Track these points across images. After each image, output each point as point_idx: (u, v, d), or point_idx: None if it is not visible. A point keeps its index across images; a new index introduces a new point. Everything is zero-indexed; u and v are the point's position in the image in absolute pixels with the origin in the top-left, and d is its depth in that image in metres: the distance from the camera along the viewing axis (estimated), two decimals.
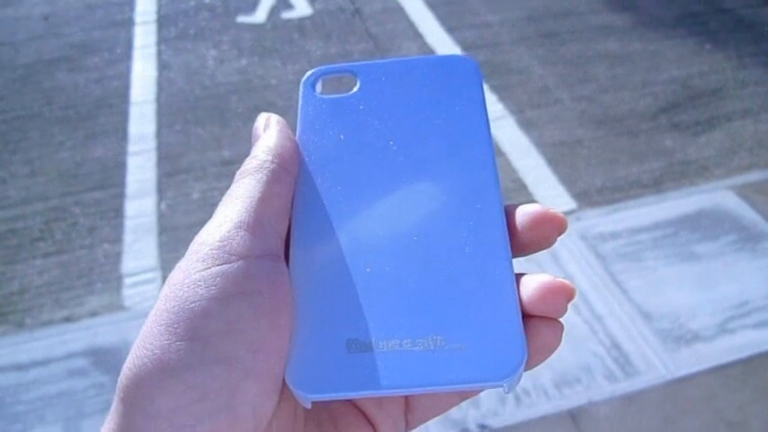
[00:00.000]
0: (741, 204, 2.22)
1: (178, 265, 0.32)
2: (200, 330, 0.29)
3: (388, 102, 0.39)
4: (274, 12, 3.49)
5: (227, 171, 2.43)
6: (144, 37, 3.31)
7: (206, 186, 2.38)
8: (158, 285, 2.03)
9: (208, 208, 2.26)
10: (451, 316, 0.31)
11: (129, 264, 2.12)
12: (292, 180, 0.36)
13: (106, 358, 1.80)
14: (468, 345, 0.30)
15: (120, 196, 2.37)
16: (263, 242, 0.33)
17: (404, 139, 0.37)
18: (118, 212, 2.30)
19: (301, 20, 3.41)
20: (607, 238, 2.10)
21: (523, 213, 0.34)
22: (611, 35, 3.21)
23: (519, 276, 0.33)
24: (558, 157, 2.47)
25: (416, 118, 0.38)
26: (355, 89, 0.40)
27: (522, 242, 0.34)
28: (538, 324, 0.31)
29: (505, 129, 2.61)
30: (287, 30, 3.33)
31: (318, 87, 0.41)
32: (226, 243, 0.32)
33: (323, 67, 0.42)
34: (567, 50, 3.11)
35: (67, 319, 1.93)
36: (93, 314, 1.95)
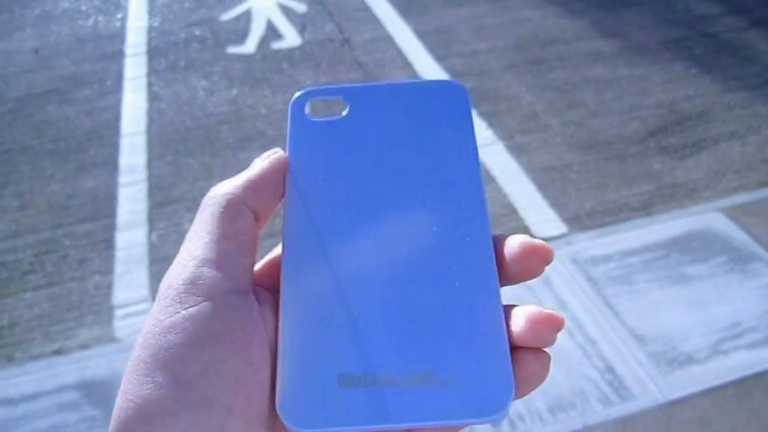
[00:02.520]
0: (730, 226, 2.24)
1: (151, 311, 0.32)
2: (179, 376, 0.30)
3: (377, 126, 0.39)
4: (264, 42, 3.52)
5: None
6: (134, 69, 3.33)
7: None
8: None
9: None
10: (441, 351, 0.31)
11: (120, 295, 2.10)
12: (252, 215, 0.36)
13: (97, 391, 1.78)
14: (457, 380, 0.31)
15: (111, 228, 2.37)
16: (229, 279, 0.33)
17: (393, 166, 0.37)
18: (109, 244, 2.30)
19: (291, 50, 3.44)
20: (598, 261, 2.11)
21: (511, 245, 0.34)
22: (598, 61, 3.25)
23: (508, 308, 0.33)
24: (548, 182, 2.49)
25: (405, 143, 0.38)
26: (344, 112, 0.40)
27: (510, 273, 0.34)
28: (525, 355, 0.32)
29: (495, 154, 2.63)
30: (276, 60, 3.36)
31: (307, 109, 0.41)
32: (191, 285, 0.32)
33: (312, 88, 0.41)
34: (554, 77, 3.14)
35: (58, 353, 1.92)
36: (84, 347, 1.93)
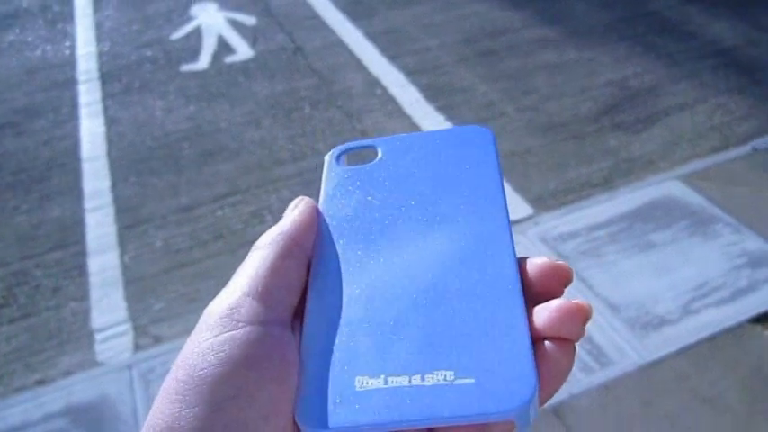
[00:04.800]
0: (688, 192, 2.31)
1: (190, 335, 0.33)
2: (210, 397, 0.30)
3: (406, 171, 0.41)
4: (217, 57, 3.53)
5: (187, 217, 2.44)
6: (88, 95, 3.31)
7: (168, 234, 2.38)
8: (130, 338, 2.02)
9: (172, 255, 2.26)
10: (461, 350, 0.31)
11: (98, 319, 2.10)
12: (304, 255, 0.37)
13: (85, 416, 1.78)
14: (477, 378, 0.30)
15: (82, 254, 2.35)
16: (272, 311, 0.33)
17: (420, 205, 0.39)
18: (81, 270, 2.28)
19: (244, 62, 3.46)
20: (566, 238, 2.16)
21: (532, 264, 0.35)
22: (546, 47, 3.33)
23: (532, 307, 0.33)
24: (510, 167, 2.54)
25: (433, 185, 0.40)
26: (376, 160, 0.42)
27: (533, 291, 0.34)
28: (551, 347, 0.31)
29: None
30: (231, 73, 3.37)
31: (342, 162, 0.43)
32: (234, 311, 0.32)
33: (347, 144, 0.44)
34: (506, 66, 3.21)
35: (41, 382, 1.90)
36: (67, 374, 1.92)
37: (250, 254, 0.36)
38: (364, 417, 0.30)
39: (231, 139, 2.86)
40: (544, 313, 0.32)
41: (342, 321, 0.34)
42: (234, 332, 0.32)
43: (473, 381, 0.30)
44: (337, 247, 0.38)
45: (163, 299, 2.14)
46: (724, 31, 3.35)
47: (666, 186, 2.36)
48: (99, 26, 4.00)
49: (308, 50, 3.52)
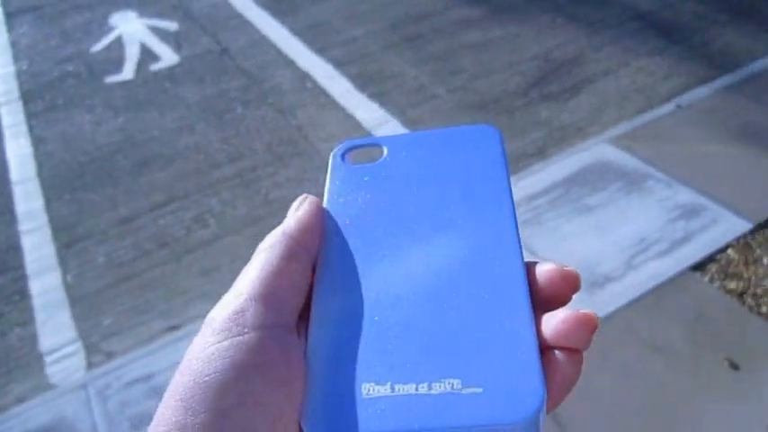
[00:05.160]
0: (619, 153, 2.39)
1: (194, 339, 0.32)
2: (216, 404, 0.29)
3: (413, 170, 0.40)
4: (141, 66, 3.46)
5: (127, 229, 2.39)
6: (10, 116, 3.21)
7: (110, 248, 2.33)
8: (82, 356, 1.98)
9: (115, 269, 2.22)
10: (468, 359, 0.31)
11: (46, 342, 2.04)
12: (309, 256, 0.36)
13: None
14: (485, 388, 0.30)
15: (22, 278, 2.28)
16: (277, 314, 0.33)
17: (427, 204, 0.38)
18: (23, 294, 2.22)
19: (170, 69, 3.40)
20: None
21: (541, 270, 0.34)
22: (471, 27, 3.37)
23: (541, 313, 0.33)
24: None
25: (440, 186, 0.39)
26: (382, 158, 0.41)
27: (541, 297, 0.34)
28: (559, 357, 0.31)
29: (391, 132, 2.70)
30: (158, 81, 3.31)
31: (347, 159, 0.42)
32: (239, 315, 0.32)
33: (352, 141, 0.43)
34: (433, 48, 3.24)
35: None
36: (20, 400, 1.87)
37: (254, 256, 0.35)
38: (370, 425, 0.30)
39: (165, 146, 2.81)
40: (553, 322, 0.31)
41: (348, 326, 0.33)
42: (239, 338, 0.31)
43: (481, 390, 0.30)
44: (342, 249, 0.37)
45: (111, 314, 2.09)
46: None
47: (598, 150, 2.43)
48: (15, 45, 3.87)
49: (234, 51, 3.48)
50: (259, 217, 2.38)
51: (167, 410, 0.30)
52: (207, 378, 0.30)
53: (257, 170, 2.61)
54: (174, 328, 2.01)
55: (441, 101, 2.86)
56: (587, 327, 0.31)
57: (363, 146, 0.43)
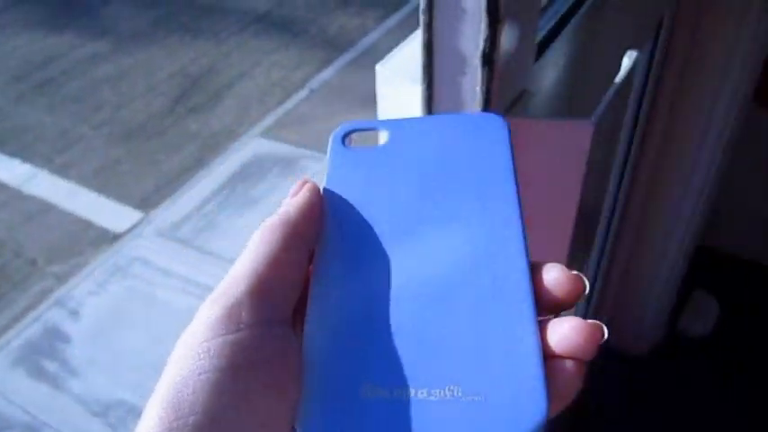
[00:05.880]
0: (271, 144, 2.55)
1: (184, 335, 0.30)
2: (207, 404, 0.27)
3: (415, 155, 0.38)
4: None
5: None
6: None
7: None
8: None
9: None
10: (470, 366, 0.30)
11: None
12: (307, 246, 0.34)
13: None
14: (486, 394, 0.29)
15: None
16: (273, 309, 0.31)
17: (429, 192, 0.36)
18: None
19: None
20: (180, 223, 2.24)
21: (547, 272, 0.33)
22: (102, 61, 3.31)
23: (545, 322, 0.31)
24: (105, 183, 2.52)
25: (444, 174, 0.37)
26: (384, 142, 0.39)
27: (545, 299, 0.33)
28: (563, 366, 0.30)
29: (42, 184, 2.56)
30: None
31: (347, 142, 0.40)
32: (234, 310, 0.30)
33: (353, 122, 0.41)
34: (68, 90, 3.12)
35: None
36: None
37: (249, 244, 0.33)
38: (367, 429, 0.29)
39: None
40: (559, 330, 0.30)
41: (346, 323, 0.32)
42: (234, 335, 0.29)
43: (482, 399, 0.29)
44: (341, 238, 0.35)
45: None
46: (256, 1, 3.68)
47: (252, 146, 2.57)
48: None
49: None
50: None
51: (155, 410, 0.28)
52: (200, 377, 0.28)
53: None
54: None
55: (88, 140, 2.78)
56: (596, 337, 0.30)
57: (364, 129, 0.41)
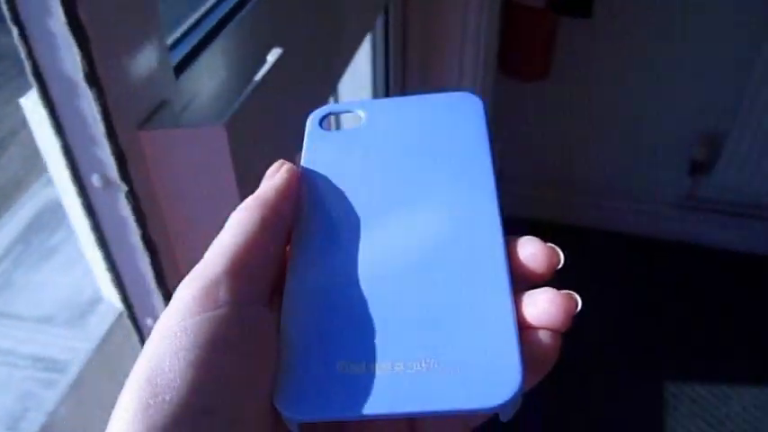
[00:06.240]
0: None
1: (162, 317, 0.30)
2: (183, 381, 0.27)
3: (391, 134, 0.39)
4: None
5: None
6: None
7: None
8: None
9: None
10: (446, 339, 0.30)
11: None
12: (285, 225, 0.34)
13: None
14: (462, 368, 0.29)
15: None
16: (251, 288, 0.31)
17: (405, 170, 0.37)
18: None
19: None
20: None
21: (522, 244, 0.33)
22: None
23: (521, 295, 0.32)
24: None
25: (418, 149, 0.38)
26: (360, 124, 0.40)
27: (520, 272, 0.33)
28: (538, 337, 0.30)
29: None
30: None
31: (325, 125, 0.40)
32: (212, 290, 0.30)
33: (329, 105, 0.41)
34: None
35: None
36: None
37: (226, 224, 0.33)
38: (345, 404, 0.29)
39: None
40: (534, 302, 0.31)
41: (323, 300, 0.32)
42: (212, 313, 0.29)
43: (458, 372, 0.29)
44: (318, 218, 0.35)
45: None
46: None
47: (42, 194, 2.43)
48: None
49: None
50: None
51: (132, 389, 0.27)
52: (177, 354, 0.28)
53: None
54: None
55: None
56: (571, 307, 0.31)
57: (341, 111, 0.41)
